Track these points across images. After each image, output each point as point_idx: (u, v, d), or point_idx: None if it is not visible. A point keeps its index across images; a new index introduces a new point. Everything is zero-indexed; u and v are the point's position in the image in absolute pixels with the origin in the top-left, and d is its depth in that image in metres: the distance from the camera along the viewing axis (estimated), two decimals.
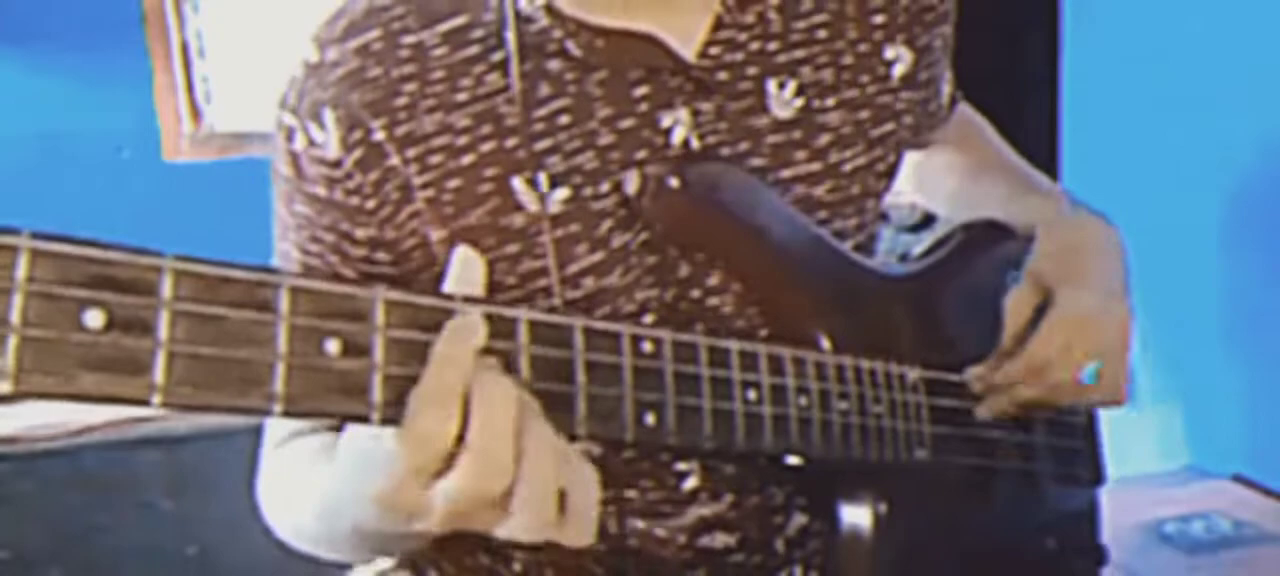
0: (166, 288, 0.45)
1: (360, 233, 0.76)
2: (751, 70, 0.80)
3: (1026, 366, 0.81)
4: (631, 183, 0.75)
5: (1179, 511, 2.14)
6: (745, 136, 0.79)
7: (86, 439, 1.77)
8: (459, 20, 0.76)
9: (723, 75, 0.79)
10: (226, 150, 2.37)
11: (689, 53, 0.78)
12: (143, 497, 1.82)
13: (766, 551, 0.85)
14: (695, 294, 0.78)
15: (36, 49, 2.25)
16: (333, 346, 0.50)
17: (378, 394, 0.51)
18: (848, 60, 0.83)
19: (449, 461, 0.52)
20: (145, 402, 0.45)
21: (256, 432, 0.81)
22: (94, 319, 0.43)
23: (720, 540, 0.83)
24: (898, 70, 0.86)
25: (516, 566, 0.85)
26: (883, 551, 0.77)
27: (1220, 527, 2.08)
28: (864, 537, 0.77)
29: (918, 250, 0.93)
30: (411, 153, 0.74)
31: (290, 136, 0.76)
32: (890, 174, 0.88)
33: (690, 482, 0.82)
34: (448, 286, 0.59)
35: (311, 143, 0.75)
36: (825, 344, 0.75)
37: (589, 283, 0.76)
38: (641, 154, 0.76)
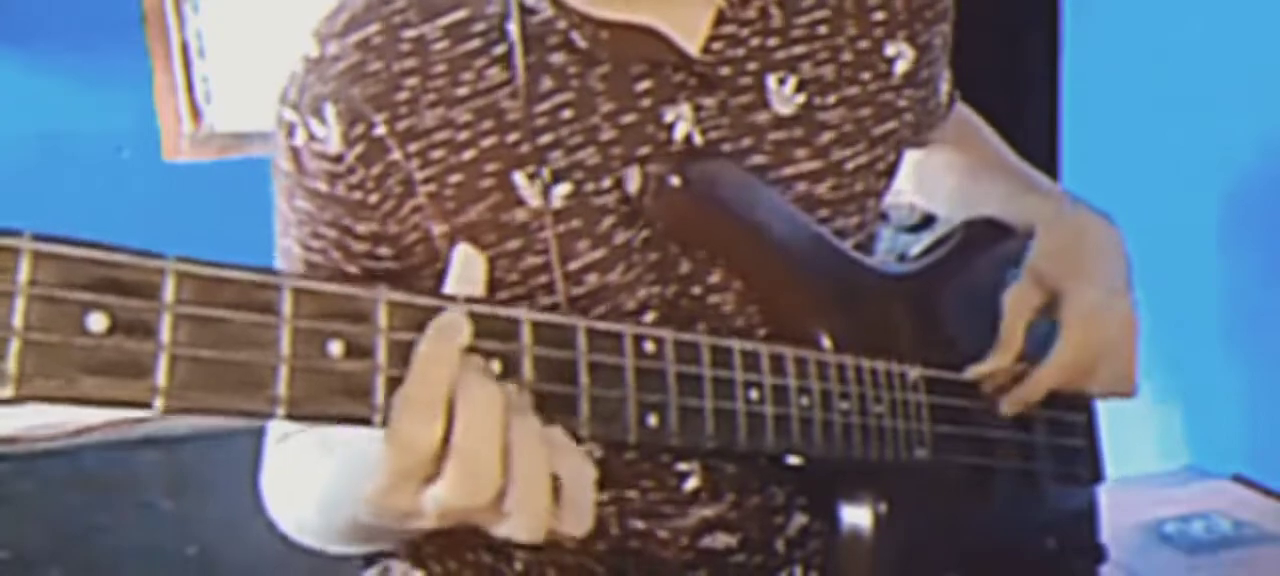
0: (169, 290, 0.45)
1: (362, 228, 0.76)
2: (752, 65, 0.80)
3: (1059, 374, 0.82)
4: (633, 181, 0.75)
5: (1179, 511, 2.14)
6: (747, 132, 0.79)
7: (86, 439, 1.77)
8: (460, 13, 0.75)
9: (725, 70, 0.79)
10: (226, 150, 2.37)
11: (692, 47, 0.78)
12: (143, 497, 1.82)
13: (767, 551, 0.85)
14: (696, 291, 0.78)
15: (36, 49, 2.25)
16: (336, 348, 0.49)
17: (380, 396, 0.51)
18: (847, 56, 0.83)
19: (436, 466, 0.51)
20: (148, 406, 0.45)
21: (257, 433, 0.81)
22: (96, 322, 0.43)
23: (721, 540, 0.83)
24: (899, 67, 0.86)
25: (518, 565, 0.85)
26: (883, 551, 0.77)
27: (1220, 527, 2.08)
28: (864, 538, 0.77)
29: (917, 248, 0.93)
30: (413, 147, 0.74)
31: (291, 132, 0.75)
32: (891, 172, 0.88)
33: (691, 483, 0.82)
34: (448, 285, 0.59)
35: (312, 137, 0.74)
36: (826, 343, 0.75)
37: (591, 279, 0.76)
38: (644, 149, 0.76)
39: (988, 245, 0.92)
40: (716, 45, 0.79)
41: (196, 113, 2.37)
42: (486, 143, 0.74)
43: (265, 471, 0.79)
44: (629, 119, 0.76)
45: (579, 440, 0.57)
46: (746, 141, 0.79)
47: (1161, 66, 2.25)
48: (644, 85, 0.77)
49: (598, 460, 0.78)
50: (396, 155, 0.74)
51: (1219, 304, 2.30)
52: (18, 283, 0.42)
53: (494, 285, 0.75)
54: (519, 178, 0.75)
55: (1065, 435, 0.94)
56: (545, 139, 0.75)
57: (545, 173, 0.74)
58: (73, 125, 2.26)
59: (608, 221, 0.76)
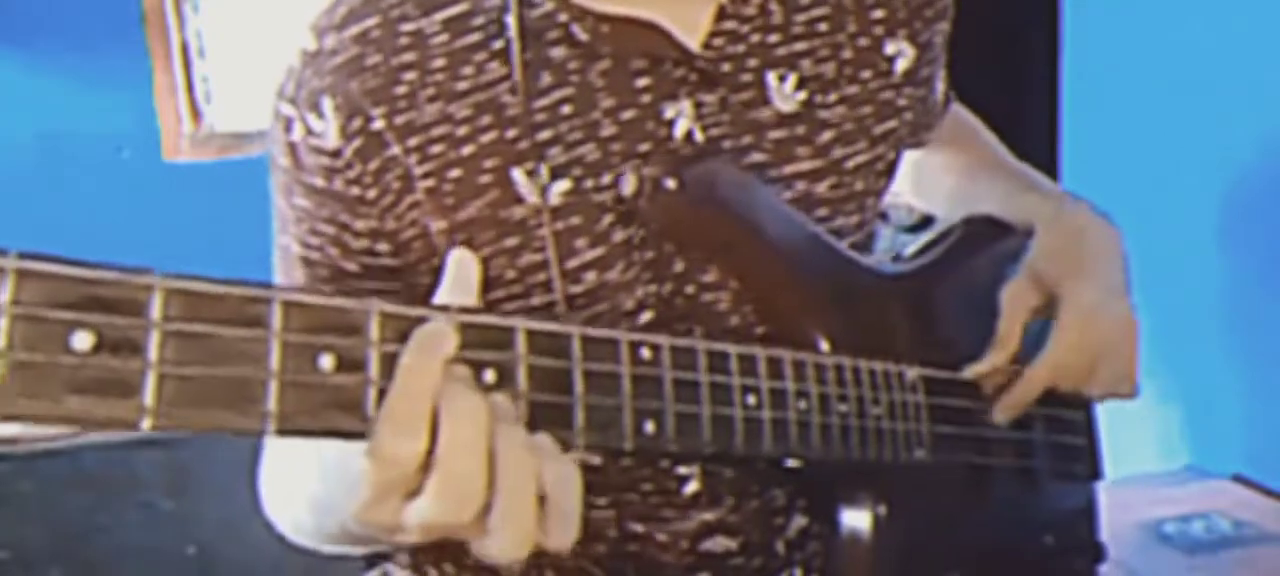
0: (156, 307, 0.44)
1: (361, 224, 0.75)
2: (753, 62, 0.79)
3: (1051, 374, 0.82)
4: (628, 184, 0.74)
5: (1179, 511, 2.14)
6: (748, 130, 0.79)
7: (86, 439, 1.77)
8: (460, 7, 0.75)
9: (726, 67, 0.78)
10: (226, 150, 2.37)
11: (693, 43, 0.77)
12: (143, 497, 1.82)
13: (767, 554, 0.84)
14: (690, 290, 0.78)
15: (36, 49, 2.25)
16: (327, 362, 0.48)
17: (373, 409, 0.50)
18: (847, 54, 0.83)
19: (419, 480, 0.50)
20: (135, 426, 0.44)
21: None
22: (82, 341, 0.42)
23: (721, 544, 0.83)
24: (900, 65, 0.86)
25: (516, 568, 0.84)
26: (882, 553, 0.76)
27: (1220, 527, 2.07)
28: (863, 540, 0.76)
29: (914, 247, 0.93)
30: (412, 142, 0.73)
31: (288, 127, 0.74)
32: (890, 171, 0.88)
33: (691, 486, 0.82)
34: (443, 289, 0.58)
35: (310, 132, 0.74)
36: (824, 345, 0.75)
37: (590, 277, 0.76)
38: (644, 146, 0.76)
39: (987, 243, 0.92)
40: (717, 41, 0.78)
41: (196, 113, 2.37)
42: (485, 138, 0.74)
43: (263, 470, 0.79)
44: (629, 115, 0.76)
45: (574, 449, 0.56)
46: (747, 139, 0.79)
47: (1161, 66, 2.25)
48: (644, 81, 0.76)
49: (597, 465, 0.78)
50: (395, 150, 0.73)
51: (1219, 304, 2.30)
52: (1, 303, 0.41)
53: (492, 283, 0.75)
54: (518, 174, 0.74)
55: (1064, 432, 0.94)
56: (544, 135, 0.74)
57: (543, 169, 0.74)
58: (73, 125, 2.26)
59: (607, 219, 0.75)
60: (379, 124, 0.73)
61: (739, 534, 0.83)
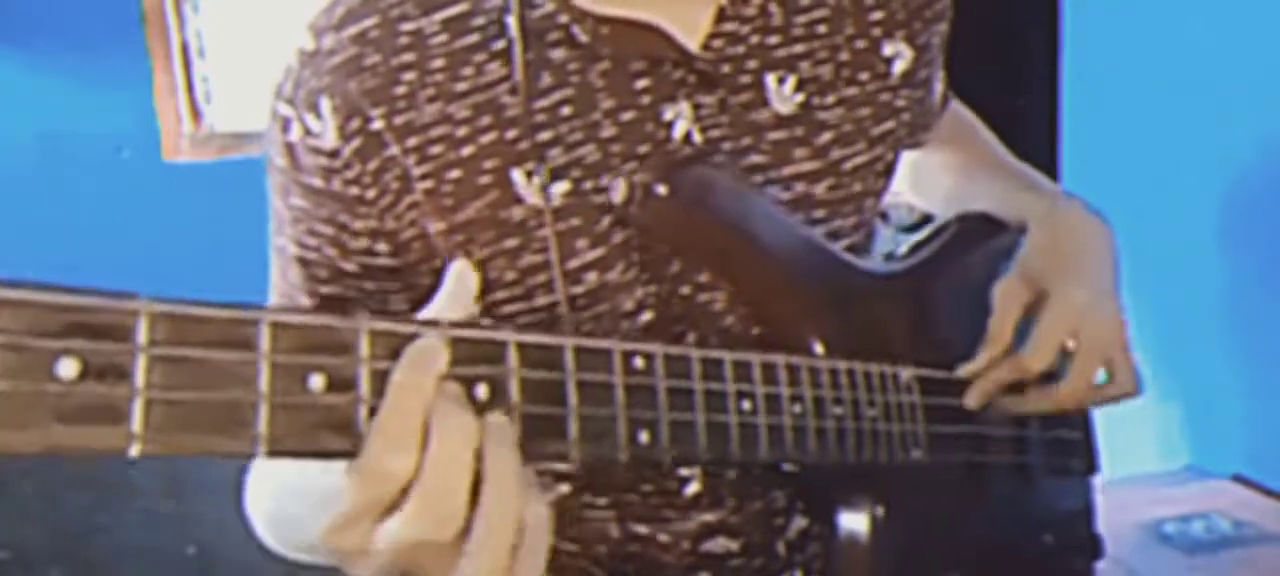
0: (142, 331, 0.43)
1: (359, 224, 0.74)
2: (752, 64, 0.79)
3: (1027, 366, 0.81)
4: (618, 190, 0.74)
5: (1179, 511, 2.14)
6: (747, 131, 0.79)
7: None
8: (460, 7, 0.74)
9: (725, 68, 0.78)
10: (226, 150, 2.37)
11: (692, 44, 0.77)
12: (143, 497, 1.82)
13: (768, 555, 0.84)
14: (685, 291, 0.78)
15: (36, 49, 2.25)
16: (317, 382, 0.47)
17: (365, 429, 0.49)
18: (845, 56, 0.83)
19: (400, 499, 0.49)
20: (123, 453, 0.43)
21: None
22: (67, 368, 0.41)
23: (722, 545, 0.83)
24: (898, 67, 0.86)
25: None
26: (881, 554, 0.76)
27: (1220, 527, 2.08)
28: (862, 542, 0.76)
29: (908, 244, 0.93)
30: (411, 142, 0.73)
31: (286, 127, 0.74)
32: (888, 172, 0.87)
33: (692, 488, 0.82)
34: (439, 299, 0.58)
35: (308, 132, 0.73)
36: (818, 348, 0.74)
37: (590, 278, 0.75)
38: (643, 148, 0.76)
39: (981, 240, 0.92)
40: (717, 43, 0.78)
41: (196, 113, 2.37)
42: (485, 139, 0.73)
43: (248, 481, 0.79)
44: (628, 116, 0.76)
45: (568, 461, 0.56)
46: (746, 140, 0.79)
47: (1161, 66, 2.26)
48: (644, 82, 0.76)
49: (597, 465, 0.78)
50: (394, 150, 0.73)
51: (1219, 304, 2.30)
52: None
53: (491, 285, 0.75)
54: (517, 175, 0.74)
55: (1059, 427, 0.94)
56: (544, 136, 0.74)
57: (542, 170, 0.74)
58: (73, 125, 2.26)
59: (606, 220, 0.75)
60: (378, 124, 0.72)
61: (740, 535, 0.83)
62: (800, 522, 0.85)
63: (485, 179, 0.74)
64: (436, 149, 0.73)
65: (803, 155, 0.81)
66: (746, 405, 0.65)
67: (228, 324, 0.46)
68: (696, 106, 0.77)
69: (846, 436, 0.72)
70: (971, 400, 0.83)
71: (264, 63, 2.36)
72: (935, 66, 0.91)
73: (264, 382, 0.46)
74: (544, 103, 0.74)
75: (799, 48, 0.81)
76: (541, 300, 0.75)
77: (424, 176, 0.73)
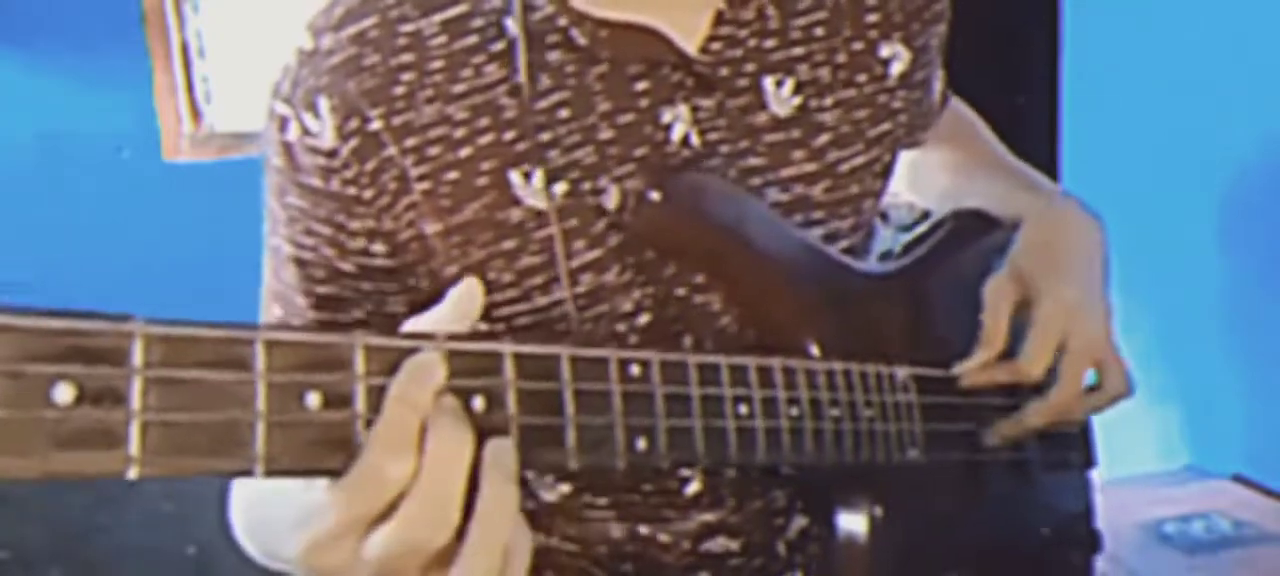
0: (137, 354, 0.43)
1: (356, 224, 0.74)
2: (750, 67, 0.79)
3: (1026, 372, 0.82)
4: (612, 197, 0.74)
5: (1179, 511, 2.14)
6: (744, 134, 0.79)
7: None
8: (459, 9, 0.74)
9: (723, 71, 0.78)
10: (226, 150, 2.37)
11: (691, 47, 0.77)
12: (143, 497, 1.82)
13: (768, 554, 0.85)
14: (681, 292, 0.78)
15: (36, 49, 2.25)
16: (313, 399, 0.47)
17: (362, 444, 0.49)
18: (842, 58, 0.83)
19: (388, 512, 0.49)
20: (122, 476, 0.43)
21: None
22: (63, 394, 0.41)
23: (722, 544, 0.83)
24: (895, 68, 0.86)
25: None
26: (880, 554, 0.76)
27: (1220, 527, 2.08)
28: (860, 542, 0.76)
29: (904, 240, 0.93)
30: (409, 143, 0.73)
31: (283, 126, 0.74)
32: (886, 174, 0.88)
33: (692, 487, 0.82)
34: (442, 308, 0.57)
35: (306, 132, 0.73)
36: (814, 350, 0.74)
37: (587, 279, 0.75)
38: (641, 150, 0.76)
39: (975, 237, 0.92)
40: (715, 46, 0.78)
41: (196, 113, 2.37)
42: (483, 140, 0.74)
43: (233, 492, 0.78)
44: (626, 119, 0.76)
45: (567, 470, 0.56)
46: (743, 143, 0.79)
47: (1161, 66, 2.26)
48: (641, 86, 0.76)
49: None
50: (392, 150, 0.73)
51: (1219, 304, 2.30)
52: None
53: (489, 287, 0.75)
54: (514, 176, 0.74)
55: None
56: (542, 138, 0.74)
57: (538, 173, 0.74)
58: (73, 125, 2.26)
59: (603, 222, 0.75)
60: (376, 124, 0.72)
61: (740, 535, 0.83)
62: (800, 522, 0.85)
63: (483, 180, 0.74)
64: (434, 150, 0.73)
65: (800, 157, 0.81)
66: (743, 409, 0.65)
67: (222, 344, 0.46)
68: (695, 109, 0.77)
69: (844, 437, 0.72)
70: (995, 439, 0.83)
71: (264, 63, 2.36)
72: (933, 67, 0.91)
73: (260, 402, 0.46)
74: (542, 105, 0.74)
75: (796, 50, 0.81)
76: (539, 301, 0.75)
77: (422, 177, 0.73)
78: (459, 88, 0.73)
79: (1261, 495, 2.21)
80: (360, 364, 0.49)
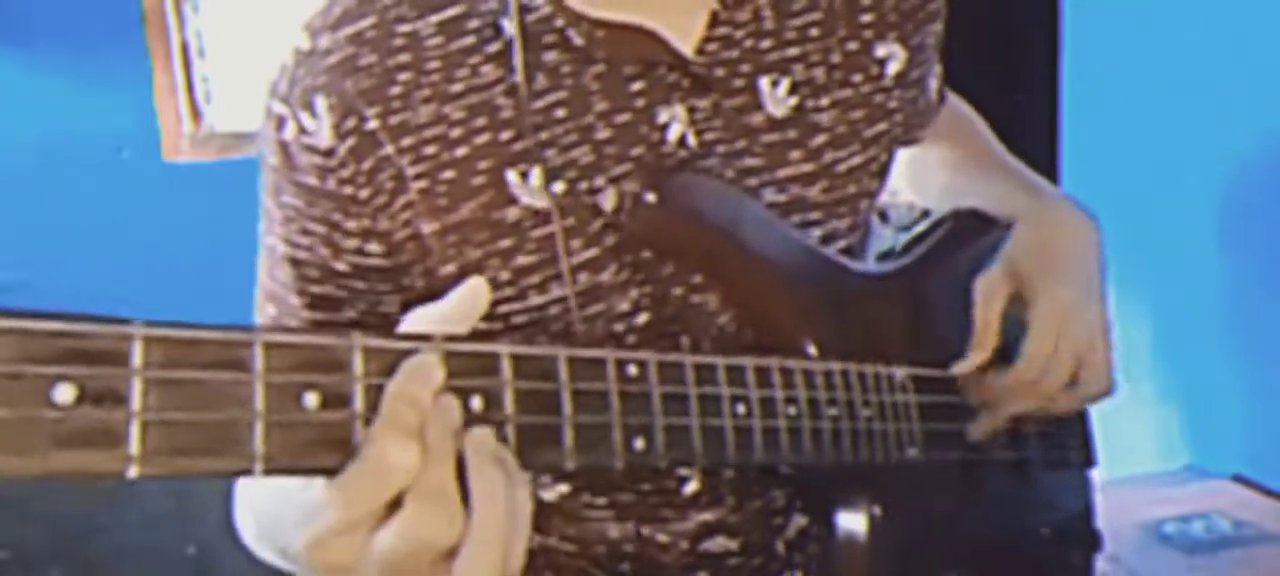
0: (137, 355, 0.44)
1: (352, 223, 0.74)
2: (745, 67, 0.79)
3: (1025, 379, 0.82)
4: (608, 199, 0.74)
5: (1179, 511, 2.14)
6: (741, 134, 0.79)
7: None
8: (455, 10, 0.75)
9: (719, 72, 0.78)
10: (226, 150, 2.37)
11: (686, 48, 0.77)
12: (143, 497, 1.82)
13: (767, 554, 0.85)
14: (679, 292, 0.78)
15: (36, 49, 2.25)
16: (311, 400, 0.48)
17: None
18: (837, 58, 0.83)
19: (387, 514, 0.49)
20: (122, 475, 0.43)
21: None
22: (64, 394, 0.42)
23: (721, 544, 0.83)
24: (891, 68, 0.86)
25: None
26: (879, 553, 0.77)
27: (1220, 527, 2.08)
28: (860, 542, 0.76)
29: (904, 240, 0.93)
30: (406, 142, 0.73)
31: (280, 125, 0.74)
32: (883, 173, 0.88)
33: (691, 487, 0.82)
34: (447, 302, 0.58)
35: (303, 131, 0.73)
36: (812, 350, 0.75)
37: (583, 278, 0.76)
38: (637, 150, 0.76)
39: (972, 238, 0.92)
40: (711, 47, 0.78)
41: (196, 113, 2.37)
42: (479, 140, 0.74)
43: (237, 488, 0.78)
44: (623, 119, 0.76)
45: (565, 469, 0.56)
46: (740, 143, 0.79)
47: (1161, 66, 2.26)
48: (637, 86, 0.76)
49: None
50: (388, 150, 0.73)
51: (1219, 304, 2.30)
52: None
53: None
54: (511, 176, 0.74)
55: (1055, 422, 0.94)
56: (539, 137, 0.74)
57: (535, 172, 0.74)
58: (73, 125, 2.26)
59: (599, 222, 0.75)
60: (373, 124, 0.72)
61: (739, 534, 0.83)
62: (799, 521, 0.85)
63: (479, 179, 0.74)
64: (431, 149, 0.73)
65: (797, 157, 0.81)
66: (741, 409, 0.65)
67: (222, 345, 0.46)
68: (691, 110, 0.77)
69: (842, 437, 0.72)
70: (977, 432, 0.83)
71: (264, 63, 2.35)
72: (930, 66, 0.92)
73: (259, 402, 0.47)
74: (539, 104, 0.74)
75: (792, 51, 0.81)
76: (536, 299, 0.75)
77: (418, 176, 0.73)
78: (456, 87, 0.74)
79: (1261, 495, 2.20)
80: (359, 365, 0.50)
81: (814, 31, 0.82)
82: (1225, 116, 2.16)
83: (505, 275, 0.75)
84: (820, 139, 0.82)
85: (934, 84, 0.95)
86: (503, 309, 0.76)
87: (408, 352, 0.51)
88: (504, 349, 0.54)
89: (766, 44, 0.80)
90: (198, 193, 2.29)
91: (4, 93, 2.24)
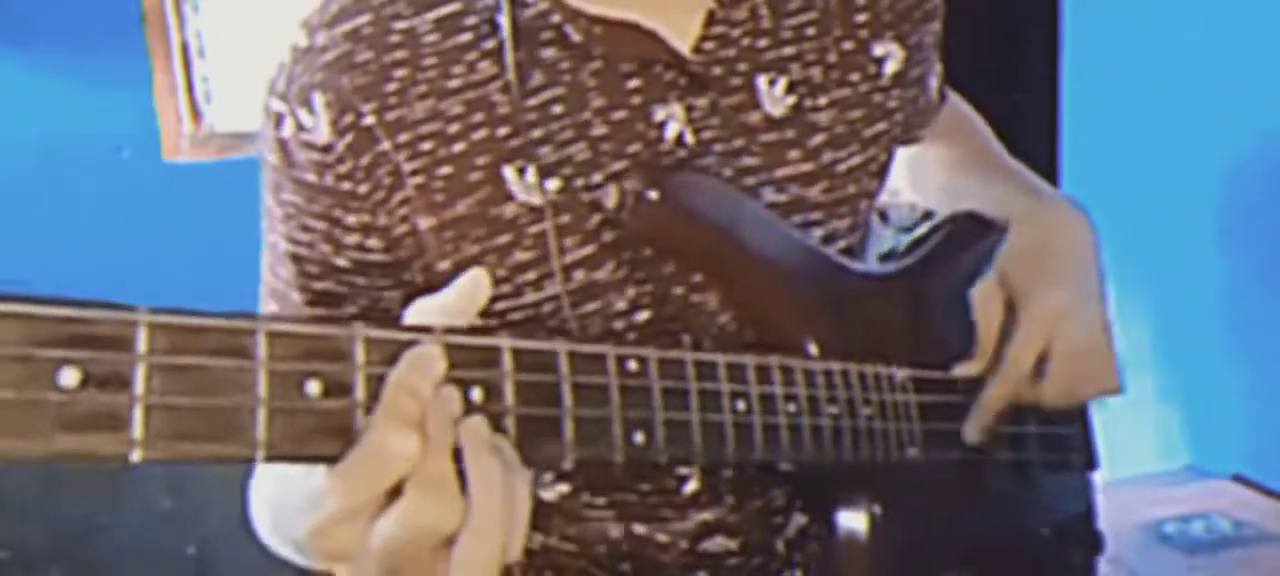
0: (142, 341, 0.44)
1: (351, 219, 0.74)
2: (742, 66, 0.79)
3: (1008, 380, 0.81)
4: (610, 196, 0.74)
5: (1179, 511, 2.14)
6: (739, 133, 0.79)
7: None
8: (452, 6, 0.75)
9: (716, 70, 0.78)
10: (226, 150, 2.37)
11: (684, 47, 0.77)
12: (143, 497, 1.82)
13: (767, 553, 0.85)
14: (679, 290, 0.78)
15: (36, 49, 2.25)
16: (313, 388, 0.49)
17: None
18: (833, 58, 0.83)
19: (388, 501, 0.50)
20: (125, 459, 0.44)
21: None
22: (69, 377, 0.42)
23: (721, 543, 0.83)
24: (889, 67, 0.86)
25: (514, 572, 0.85)
26: (879, 553, 0.76)
27: (1220, 527, 2.08)
28: (860, 541, 0.76)
29: (905, 242, 0.93)
30: (402, 138, 0.73)
31: (279, 122, 0.74)
32: (882, 173, 0.88)
33: (690, 486, 0.82)
34: (448, 293, 0.58)
35: (301, 128, 0.73)
36: (813, 350, 0.75)
37: (580, 275, 0.76)
38: (634, 147, 0.76)
39: (972, 240, 0.92)
40: (708, 45, 0.78)
41: (196, 113, 2.37)
42: (476, 136, 0.74)
43: (253, 480, 0.79)
44: (619, 116, 0.76)
45: (564, 463, 0.56)
46: (738, 142, 0.79)
47: (1161, 66, 2.26)
48: (635, 83, 0.76)
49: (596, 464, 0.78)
50: (385, 146, 0.73)
51: (1219, 304, 2.30)
52: None
53: None
54: (508, 172, 0.74)
55: (1057, 423, 0.94)
56: (535, 134, 0.74)
57: (532, 168, 0.74)
58: (73, 125, 2.26)
59: (596, 218, 0.75)
60: (370, 120, 0.73)
61: (739, 533, 0.83)
62: (799, 521, 0.85)
63: (476, 176, 0.74)
64: (427, 145, 0.73)
65: (796, 157, 0.81)
66: (741, 405, 0.65)
67: (225, 333, 0.47)
68: (688, 108, 0.77)
69: (842, 435, 0.72)
70: (972, 433, 0.83)
71: (264, 62, 2.35)
72: (929, 65, 0.91)
73: (262, 388, 0.47)
74: (535, 101, 0.74)
75: (788, 50, 0.81)
76: (531, 296, 0.75)
77: (415, 172, 0.73)
78: (452, 83, 0.74)
79: (1261, 495, 2.21)
80: (360, 354, 0.50)
81: (810, 31, 0.82)
82: (1225, 116, 2.16)
83: (501, 271, 0.75)
84: (819, 138, 0.82)
85: (934, 83, 0.95)
86: (499, 305, 0.76)
87: (409, 343, 0.51)
88: (505, 342, 0.55)
89: (763, 43, 0.80)
90: (198, 193, 2.29)
91: (4, 93, 2.24)
